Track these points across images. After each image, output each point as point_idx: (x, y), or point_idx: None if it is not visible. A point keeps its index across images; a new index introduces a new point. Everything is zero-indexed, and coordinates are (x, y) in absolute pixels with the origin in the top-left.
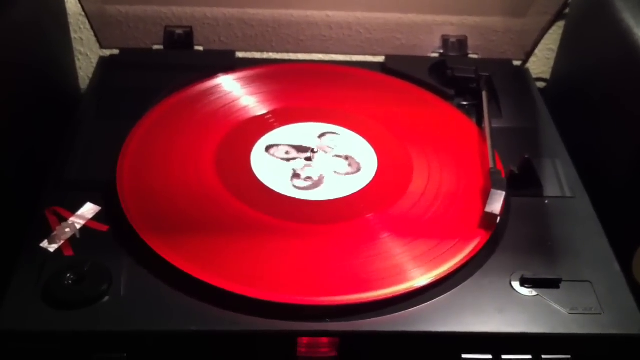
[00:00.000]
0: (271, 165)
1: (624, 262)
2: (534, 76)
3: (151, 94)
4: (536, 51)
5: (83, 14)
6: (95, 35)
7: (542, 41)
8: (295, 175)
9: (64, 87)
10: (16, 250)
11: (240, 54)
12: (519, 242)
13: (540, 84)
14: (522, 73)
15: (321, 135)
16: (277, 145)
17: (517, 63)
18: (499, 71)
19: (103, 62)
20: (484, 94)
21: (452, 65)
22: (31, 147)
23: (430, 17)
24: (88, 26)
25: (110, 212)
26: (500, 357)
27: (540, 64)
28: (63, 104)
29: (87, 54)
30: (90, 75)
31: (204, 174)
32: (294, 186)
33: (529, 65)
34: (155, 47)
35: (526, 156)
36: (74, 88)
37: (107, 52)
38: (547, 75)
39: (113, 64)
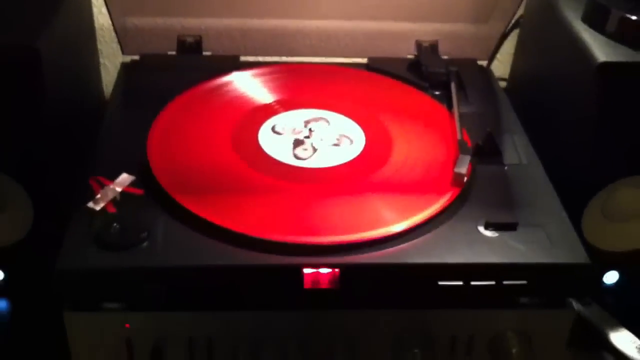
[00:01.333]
0: (275, 141)
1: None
2: (497, 76)
3: (171, 88)
4: (499, 56)
5: (102, 28)
6: (119, 43)
7: (505, 47)
8: (297, 148)
9: (94, 87)
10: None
11: (242, 58)
12: (484, 198)
13: (503, 84)
14: (484, 70)
15: (318, 119)
16: (281, 125)
17: (482, 64)
18: (465, 68)
19: (126, 66)
20: (453, 84)
21: (425, 63)
22: (71, 132)
23: (406, 24)
24: (107, 39)
25: (144, 179)
26: (470, 283)
27: (502, 66)
28: (93, 101)
29: (106, 63)
30: (108, 83)
31: (220, 145)
32: (295, 156)
33: (493, 68)
34: (169, 53)
35: (488, 129)
36: (99, 89)
37: (127, 59)
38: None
39: (135, 67)
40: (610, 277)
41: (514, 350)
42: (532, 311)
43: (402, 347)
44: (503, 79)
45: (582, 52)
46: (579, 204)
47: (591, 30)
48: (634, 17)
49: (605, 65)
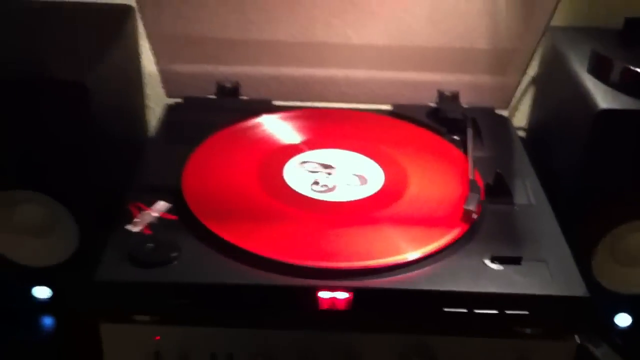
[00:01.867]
0: (299, 176)
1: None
2: (517, 126)
3: (208, 127)
4: (520, 107)
5: (150, 75)
6: (164, 87)
7: (526, 100)
8: (316, 183)
9: (138, 123)
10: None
11: (275, 103)
12: (491, 234)
13: (522, 133)
14: (502, 118)
15: (342, 160)
16: (307, 162)
17: (503, 114)
18: (483, 116)
19: (169, 107)
20: (469, 129)
21: (445, 110)
22: (114, 161)
23: (428, 74)
24: (154, 84)
25: (178, 206)
26: (473, 311)
27: (522, 117)
28: (137, 136)
29: (152, 106)
30: (153, 123)
31: (248, 178)
32: (314, 190)
33: (515, 119)
34: (210, 96)
35: (498, 171)
36: (144, 126)
37: (171, 102)
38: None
39: (178, 108)
40: (624, 320)
41: None
42: (534, 342)
43: None
44: (522, 129)
45: (585, 100)
46: (587, 246)
47: (595, 81)
48: (635, 68)
49: (606, 112)
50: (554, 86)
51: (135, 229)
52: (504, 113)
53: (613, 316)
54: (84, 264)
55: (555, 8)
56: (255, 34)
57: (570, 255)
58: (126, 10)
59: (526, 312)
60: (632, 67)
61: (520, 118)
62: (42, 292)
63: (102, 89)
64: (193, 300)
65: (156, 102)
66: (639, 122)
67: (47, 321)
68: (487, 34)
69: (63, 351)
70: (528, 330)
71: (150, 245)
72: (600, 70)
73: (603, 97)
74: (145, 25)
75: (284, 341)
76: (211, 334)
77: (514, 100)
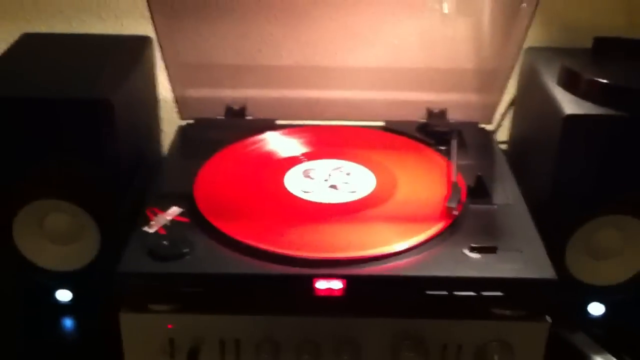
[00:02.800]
0: (298, 182)
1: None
2: (501, 140)
3: (216, 144)
4: (504, 123)
5: (165, 100)
6: (178, 109)
7: (508, 116)
8: (309, 189)
9: (155, 140)
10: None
11: (278, 122)
12: (471, 230)
13: (505, 147)
14: (485, 132)
15: (338, 168)
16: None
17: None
18: (468, 130)
19: (182, 127)
20: (454, 139)
21: (432, 124)
22: (133, 174)
23: (418, 94)
24: (166, 109)
25: (190, 211)
26: (453, 293)
27: (506, 132)
28: (153, 152)
29: (165, 129)
30: (167, 145)
31: (251, 184)
32: (310, 194)
33: (499, 134)
34: (218, 117)
35: (478, 174)
36: (159, 145)
37: (183, 124)
38: None
39: (189, 128)
40: (597, 309)
41: (496, 358)
42: (510, 323)
43: (399, 352)
44: (506, 142)
45: (555, 109)
46: (561, 242)
47: (564, 92)
48: (598, 79)
49: (571, 117)
50: (530, 101)
51: (151, 230)
52: (489, 128)
53: (588, 306)
54: (105, 268)
55: (527, 29)
56: (261, 60)
57: (542, 246)
58: (145, 40)
59: (500, 294)
60: (596, 78)
61: (505, 133)
62: (63, 295)
63: (124, 108)
64: (204, 289)
65: (169, 126)
66: (603, 126)
67: (68, 322)
68: (471, 56)
69: (83, 349)
70: (504, 312)
71: (166, 242)
72: (568, 83)
73: (570, 105)
74: (164, 54)
75: (286, 327)
76: (220, 321)
77: (498, 117)
